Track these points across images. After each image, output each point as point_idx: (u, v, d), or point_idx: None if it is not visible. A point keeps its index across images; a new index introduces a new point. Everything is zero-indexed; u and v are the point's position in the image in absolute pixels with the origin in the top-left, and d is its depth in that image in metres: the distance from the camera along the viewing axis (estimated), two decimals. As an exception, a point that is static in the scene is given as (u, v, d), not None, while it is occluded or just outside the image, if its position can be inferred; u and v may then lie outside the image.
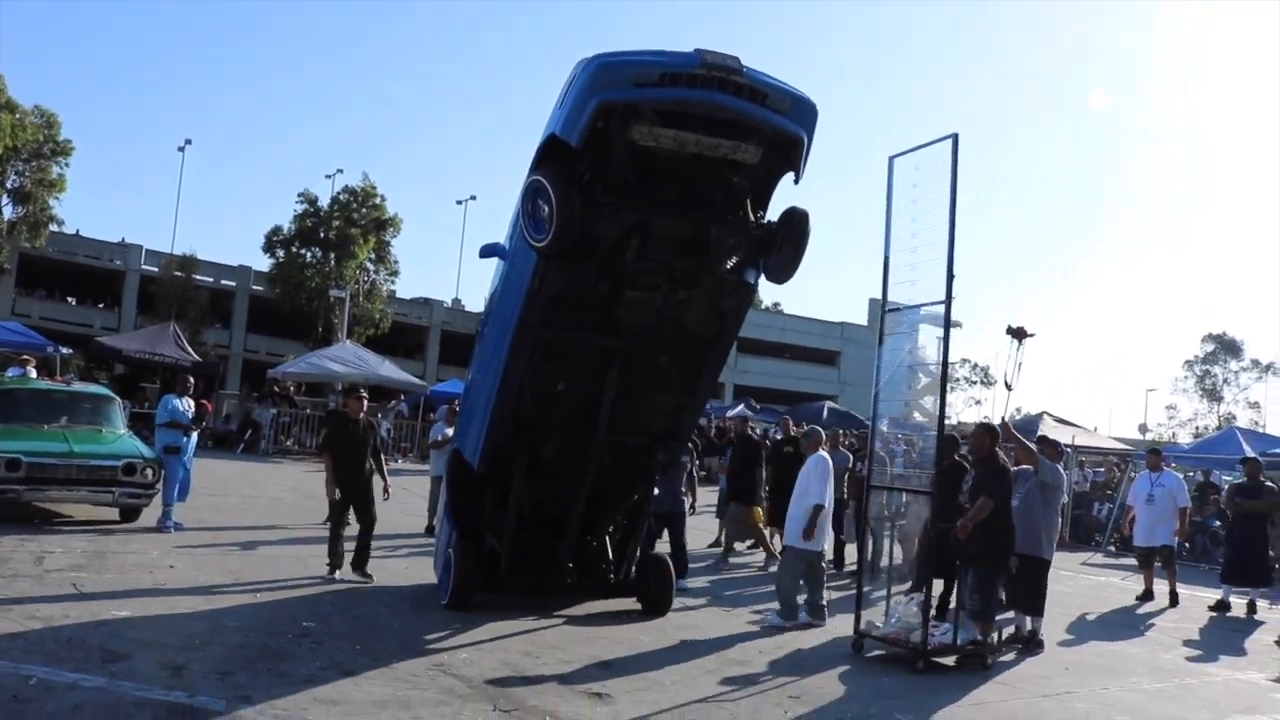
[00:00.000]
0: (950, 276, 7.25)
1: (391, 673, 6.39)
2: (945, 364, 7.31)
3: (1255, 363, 67.85)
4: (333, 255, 41.78)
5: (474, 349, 9.58)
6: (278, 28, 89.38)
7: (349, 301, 36.65)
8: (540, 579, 8.94)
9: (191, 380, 13.30)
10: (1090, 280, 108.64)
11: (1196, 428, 69.46)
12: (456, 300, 59.24)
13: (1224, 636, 10.65)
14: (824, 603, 9.06)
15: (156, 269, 43.08)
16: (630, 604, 9.07)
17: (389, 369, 26.96)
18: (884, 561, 8.86)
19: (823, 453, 9.17)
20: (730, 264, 7.93)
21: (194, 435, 12.59)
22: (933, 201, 7.50)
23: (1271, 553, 18.05)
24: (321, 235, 41.82)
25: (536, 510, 8.72)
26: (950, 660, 7.71)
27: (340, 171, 44.76)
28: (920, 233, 7.62)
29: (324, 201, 42.88)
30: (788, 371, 59.89)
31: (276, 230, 41.50)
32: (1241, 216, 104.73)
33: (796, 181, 7.65)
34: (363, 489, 9.72)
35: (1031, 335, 7.98)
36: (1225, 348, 68.59)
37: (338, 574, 9.46)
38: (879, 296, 8.07)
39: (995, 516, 7.61)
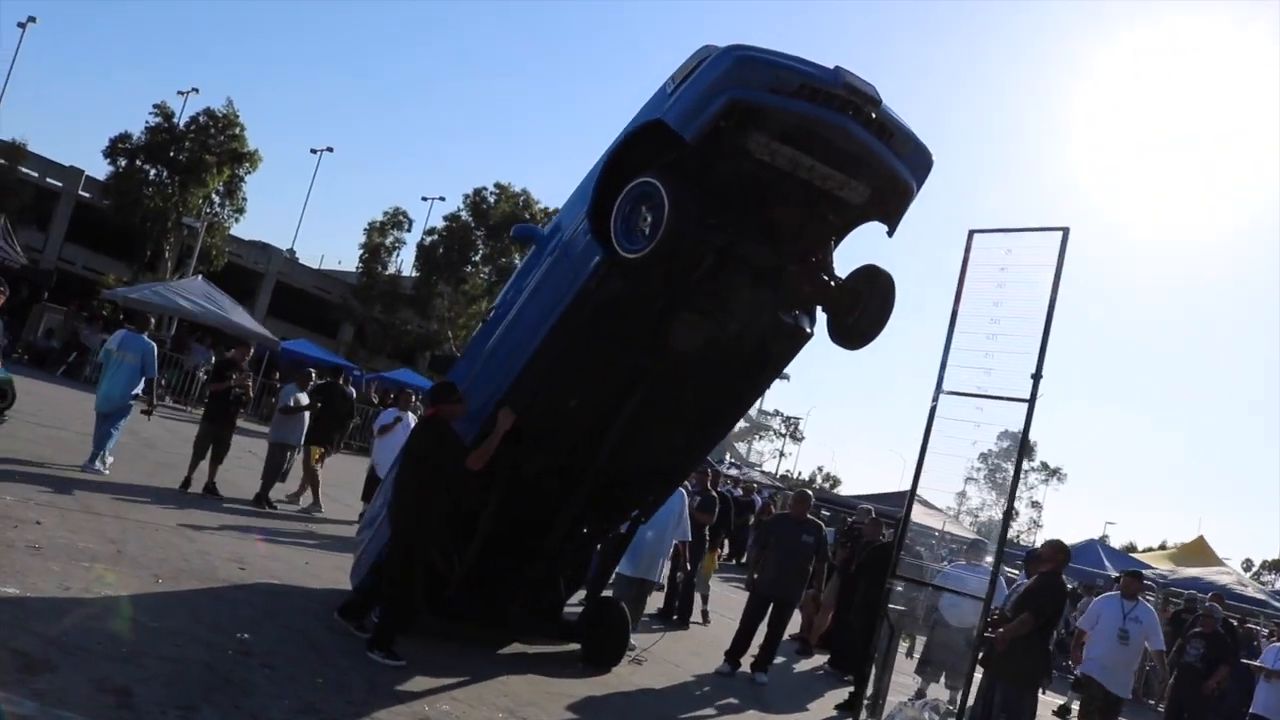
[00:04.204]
0: (1038, 376, 6.71)
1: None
2: (1019, 466, 6.66)
3: (1045, 465, 72.32)
4: (178, 179, 38.44)
5: (472, 342, 8.34)
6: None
7: (201, 233, 33.55)
8: (489, 608, 7.83)
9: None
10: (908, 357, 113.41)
11: (977, 516, 73.45)
12: (291, 251, 55.91)
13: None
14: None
15: (-27, 150, 38.36)
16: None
17: (241, 315, 24.65)
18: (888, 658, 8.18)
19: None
20: (795, 310, 7.15)
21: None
22: (1022, 291, 6.94)
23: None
24: (171, 155, 38.44)
25: (507, 535, 7.62)
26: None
27: (195, 91, 41.24)
28: (1003, 320, 7.02)
29: (181, 120, 39.52)
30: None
31: (124, 137, 37.85)
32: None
33: (890, 234, 6.88)
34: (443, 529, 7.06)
35: None
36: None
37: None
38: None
39: (1035, 635, 7.04)
